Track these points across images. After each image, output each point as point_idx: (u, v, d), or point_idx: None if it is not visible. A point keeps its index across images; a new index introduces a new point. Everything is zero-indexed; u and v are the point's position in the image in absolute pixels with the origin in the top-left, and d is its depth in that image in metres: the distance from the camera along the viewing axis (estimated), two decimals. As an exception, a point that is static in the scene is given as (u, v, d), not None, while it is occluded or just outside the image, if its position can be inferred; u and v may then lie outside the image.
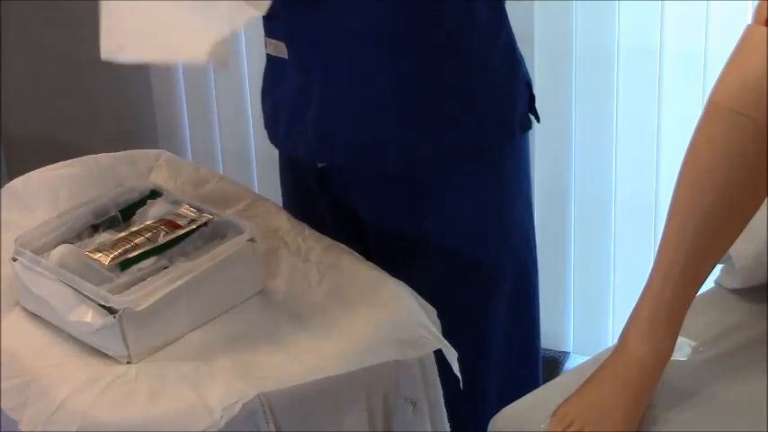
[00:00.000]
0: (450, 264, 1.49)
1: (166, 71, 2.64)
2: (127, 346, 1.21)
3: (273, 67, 1.50)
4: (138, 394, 1.17)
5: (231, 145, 2.65)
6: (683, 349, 1.32)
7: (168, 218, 1.34)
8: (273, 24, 1.45)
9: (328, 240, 1.46)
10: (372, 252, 1.53)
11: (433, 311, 1.34)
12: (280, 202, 1.68)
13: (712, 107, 1.19)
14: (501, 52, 1.42)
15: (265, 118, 1.58)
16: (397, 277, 1.38)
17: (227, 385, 1.18)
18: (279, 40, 1.45)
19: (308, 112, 1.46)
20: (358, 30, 1.35)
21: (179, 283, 1.26)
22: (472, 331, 1.51)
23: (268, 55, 1.50)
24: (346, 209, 1.55)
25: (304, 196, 1.59)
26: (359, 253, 1.43)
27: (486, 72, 1.43)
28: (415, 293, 1.36)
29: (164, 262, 1.28)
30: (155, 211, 1.38)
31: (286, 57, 1.45)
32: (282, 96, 1.51)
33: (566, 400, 1.21)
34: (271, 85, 1.54)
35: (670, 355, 1.23)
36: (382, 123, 1.38)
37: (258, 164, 2.62)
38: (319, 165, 1.52)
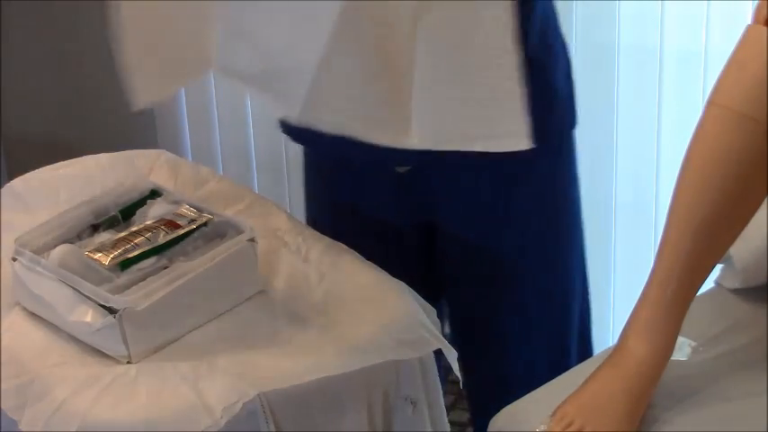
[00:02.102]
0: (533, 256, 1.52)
1: None
2: (127, 346, 1.21)
3: None
4: (138, 394, 1.17)
5: (231, 145, 2.65)
6: (683, 349, 1.32)
7: (168, 218, 1.35)
8: None
9: (328, 240, 1.46)
10: (442, 259, 1.54)
11: (433, 311, 1.34)
12: (279, 201, 1.68)
13: (712, 107, 1.19)
14: (561, 39, 1.45)
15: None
16: (469, 279, 1.44)
17: (227, 385, 1.18)
18: None
19: None
20: None
21: (179, 282, 1.26)
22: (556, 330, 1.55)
23: None
24: (420, 218, 1.54)
25: (358, 209, 1.55)
26: (410, 264, 1.48)
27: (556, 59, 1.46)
28: (415, 293, 1.36)
29: (164, 262, 1.28)
30: (155, 210, 1.37)
31: None
32: None
33: (565, 400, 1.21)
34: None
35: (670, 355, 1.23)
36: None
37: (258, 164, 2.62)
38: (400, 169, 1.49)
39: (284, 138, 2.59)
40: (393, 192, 1.53)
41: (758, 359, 1.32)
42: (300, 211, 2.57)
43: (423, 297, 1.44)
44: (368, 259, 1.45)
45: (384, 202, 1.54)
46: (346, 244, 1.45)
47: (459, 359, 1.39)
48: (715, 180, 1.19)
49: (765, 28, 1.14)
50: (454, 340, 1.60)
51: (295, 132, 1.56)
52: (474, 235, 1.53)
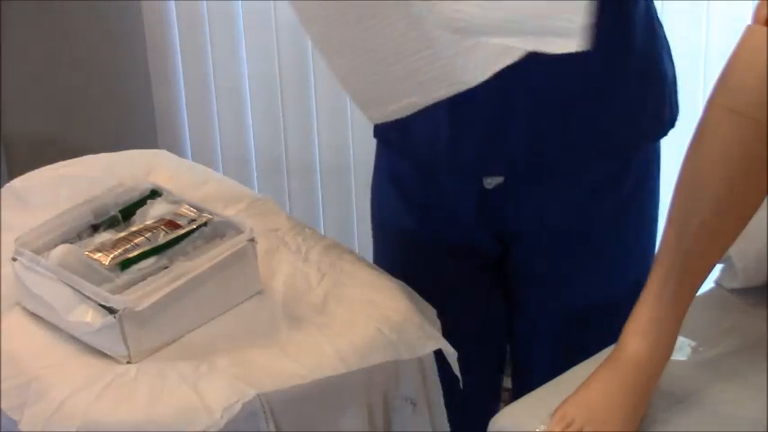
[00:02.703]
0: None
1: (166, 71, 2.65)
2: (127, 346, 1.21)
3: None
4: (138, 394, 1.17)
5: (231, 145, 2.67)
6: (683, 349, 1.32)
7: (168, 218, 1.35)
8: None
9: (328, 240, 1.46)
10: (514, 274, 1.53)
11: (434, 311, 1.34)
12: (279, 201, 1.68)
13: (712, 108, 1.19)
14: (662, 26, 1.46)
15: (404, 130, 1.52)
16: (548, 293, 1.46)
17: (227, 385, 1.18)
18: None
19: (503, 131, 1.44)
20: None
21: (179, 282, 1.26)
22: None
23: None
24: (502, 239, 1.53)
25: (441, 228, 1.54)
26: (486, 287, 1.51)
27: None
28: (415, 293, 1.36)
29: (164, 262, 1.28)
30: (155, 210, 1.38)
31: None
32: (462, 116, 1.46)
33: (565, 400, 1.22)
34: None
35: (669, 355, 1.23)
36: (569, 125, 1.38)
37: (258, 164, 2.64)
38: (488, 184, 1.47)
39: (283, 138, 2.63)
40: (476, 209, 1.51)
41: (758, 360, 1.33)
42: (299, 211, 2.59)
43: (488, 316, 1.50)
44: (436, 276, 1.47)
45: (464, 220, 1.52)
46: (412, 256, 1.48)
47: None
48: (714, 181, 1.19)
49: (765, 28, 1.14)
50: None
51: (386, 140, 1.56)
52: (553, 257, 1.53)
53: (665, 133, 1.47)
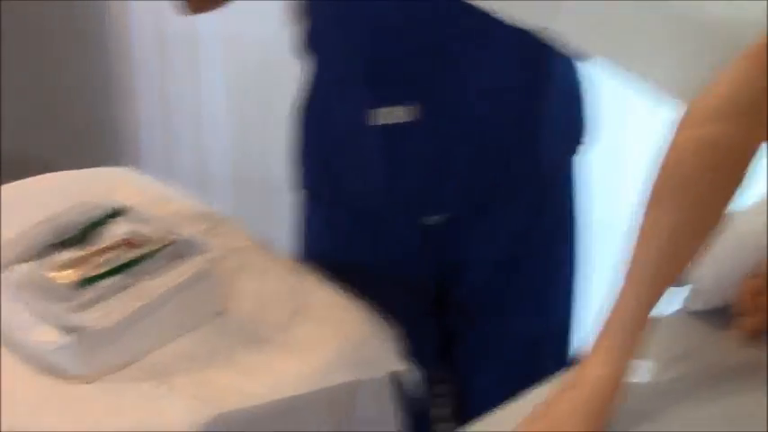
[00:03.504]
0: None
1: (128, 86, 2.66)
2: (86, 366, 1.21)
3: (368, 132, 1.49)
4: (95, 414, 1.17)
5: (191, 165, 2.67)
6: (642, 371, 1.31)
7: (131, 237, 1.35)
8: (398, 91, 1.46)
9: (290, 262, 1.48)
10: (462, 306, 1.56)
11: (394, 333, 1.35)
12: (240, 220, 1.68)
13: (677, 130, 1.20)
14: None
15: (336, 179, 1.54)
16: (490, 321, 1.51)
17: (186, 405, 1.18)
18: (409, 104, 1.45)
19: (442, 169, 1.47)
20: (487, 87, 1.40)
21: (141, 302, 1.27)
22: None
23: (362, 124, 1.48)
24: (444, 271, 1.55)
25: (373, 268, 1.56)
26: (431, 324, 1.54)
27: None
28: (376, 315, 1.37)
29: (126, 281, 1.29)
30: (117, 229, 1.38)
31: (410, 121, 1.46)
32: (395, 158, 1.49)
33: (526, 418, 1.22)
34: (354, 142, 1.51)
35: (627, 377, 1.23)
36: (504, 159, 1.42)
37: (217, 185, 2.64)
38: (428, 221, 1.50)
39: (243, 160, 2.64)
40: (417, 246, 1.53)
41: (717, 381, 1.34)
42: (262, 232, 2.59)
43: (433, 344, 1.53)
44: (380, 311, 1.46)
45: (405, 259, 1.55)
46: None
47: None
48: (673, 209, 1.21)
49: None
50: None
51: (317, 194, 1.57)
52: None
53: (584, 148, 1.54)
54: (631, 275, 1.23)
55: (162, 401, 1.19)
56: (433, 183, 1.47)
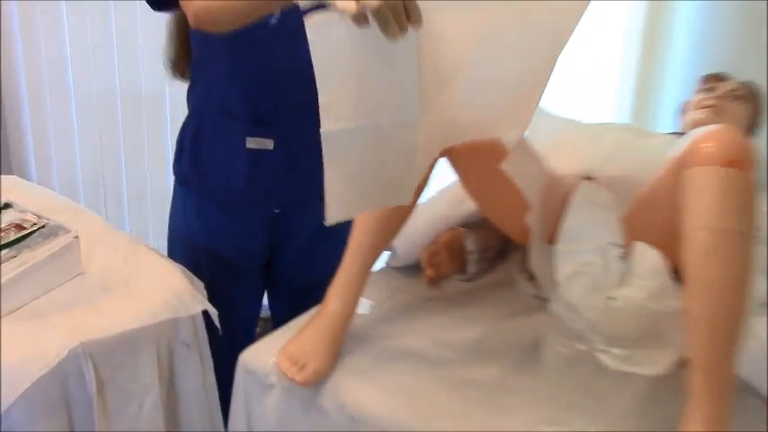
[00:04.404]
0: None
1: (16, 105, 2.68)
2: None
3: (238, 149, 1.62)
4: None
5: (65, 171, 2.74)
6: (364, 306, 1.54)
7: (17, 222, 1.53)
8: (261, 129, 1.61)
9: (130, 237, 1.66)
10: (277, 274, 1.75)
11: (201, 285, 1.55)
12: (98, 212, 1.75)
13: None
14: None
15: (205, 178, 1.66)
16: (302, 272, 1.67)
17: (58, 337, 1.31)
18: (268, 138, 1.60)
19: (289, 180, 1.62)
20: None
21: (24, 266, 1.43)
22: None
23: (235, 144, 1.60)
24: (276, 245, 1.73)
25: (234, 234, 1.71)
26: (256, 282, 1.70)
27: None
28: (190, 273, 1.55)
29: (13, 253, 1.46)
30: (7, 217, 1.55)
31: (269, 148, 1.60)
32: (255, 170, 1.62)
33: (288, 342, 1.42)
34: (231, 158, 1.62)
35: (354, 311, 1.45)
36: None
37: (83, 184, 2.72)
38: (276, 210, 1.67)
39: (103, 164, 2.70)
40: (258, 231, 1.70)
41: (414, 310, 1.55)
42: (111, 218, 2.66)
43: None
44: (220, 269, 1.64)
45: (250, 238, 1.70)
46: (206, 272, 1.62)
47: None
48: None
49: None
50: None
51: (186, 181, 1.70)
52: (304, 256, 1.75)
53: None
54: (353, 241, 1.43)
55: (41, 334, 1.32)
56: (278, 186, 1.65)
